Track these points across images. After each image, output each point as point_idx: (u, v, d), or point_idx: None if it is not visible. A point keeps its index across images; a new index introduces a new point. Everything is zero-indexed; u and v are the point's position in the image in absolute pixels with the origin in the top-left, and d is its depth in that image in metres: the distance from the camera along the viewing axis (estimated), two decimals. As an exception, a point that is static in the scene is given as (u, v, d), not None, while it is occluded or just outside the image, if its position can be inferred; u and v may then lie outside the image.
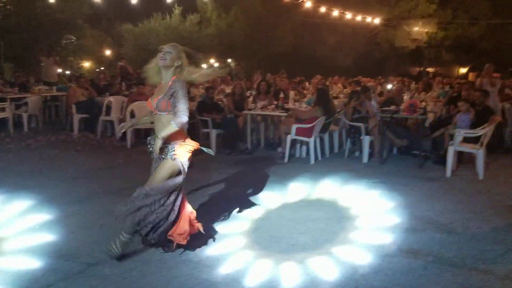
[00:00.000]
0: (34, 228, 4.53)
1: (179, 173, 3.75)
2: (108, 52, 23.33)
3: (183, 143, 3.76)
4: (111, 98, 9.85)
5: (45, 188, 5.90)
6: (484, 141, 6.78)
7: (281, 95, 9.74)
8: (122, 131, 4.17)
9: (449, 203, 5.52)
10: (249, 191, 5.92)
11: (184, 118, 3.58)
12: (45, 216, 4.86)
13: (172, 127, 3.58)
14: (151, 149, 3.80)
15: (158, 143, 3.62)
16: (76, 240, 4.26)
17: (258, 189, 6.00)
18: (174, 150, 3.69)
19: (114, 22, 23.83)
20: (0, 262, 3.78)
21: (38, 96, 10.92)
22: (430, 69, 31.45)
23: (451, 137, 7.20)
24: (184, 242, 3.89)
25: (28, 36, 16.31)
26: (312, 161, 7.71)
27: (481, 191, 6.06)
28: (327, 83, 14.60)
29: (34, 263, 3.75)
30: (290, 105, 9.41)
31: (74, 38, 15.49)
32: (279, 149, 8.34)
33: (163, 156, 3.72)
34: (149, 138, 3.95)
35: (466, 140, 7.06)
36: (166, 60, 3.65)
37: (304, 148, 8.24)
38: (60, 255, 3.92)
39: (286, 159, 7.82)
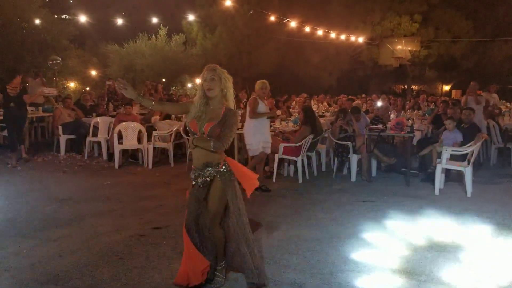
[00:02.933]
0: (21, 251, 4.44)
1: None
2: (93, 73, 23.24)
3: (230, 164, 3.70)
4: (98, 119, 9.80)
5: (32, 211, 5.80)
6: (471, 158, 6.86)
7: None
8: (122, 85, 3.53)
9: (439, 221, 5.55)
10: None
11: (224, 147, 3.52)
12: (33, 239, 4.77)
13: (209, 147, 3.47)
14: (200, 180, 3.61)
15: (203, 142, 3.50)
16: (65, 263, 4.17)
17: (245, 209, 5.96)
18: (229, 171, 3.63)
19: (100, 42, 23.80)
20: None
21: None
22: (414, 87, 31.97)
23: (439, 154, 7.27)
24: None
25: (14, 57, 16.20)
26: (300, 180, 7.71)
27: (470, 209, 6.10)
28: (313, 101, 14.72)
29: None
30: (277, 124, 9.45)
31: (60, 59, 15.40)
32: (267, 168, 8.33)
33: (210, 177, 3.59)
34: (194, 169, 3.66)
35: (453, 158, 7.14)
36: (214, 90, 3.54)
37: (292, 167, 8.25)
38: (49, 279, 3.83)
39: (274, 179, 7.80)
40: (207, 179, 3.59)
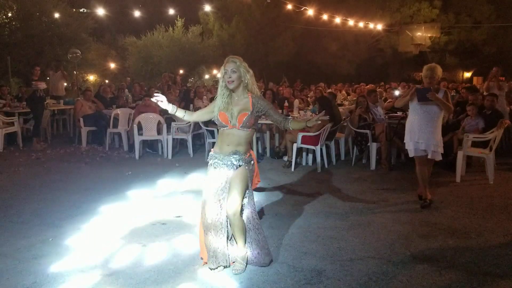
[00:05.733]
0: (47, 239, 4.55)
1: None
2: (112, 65, 23.45)
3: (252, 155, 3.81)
4: (118, 111, 9.91)
5: (57, 200, 5.93)
6: (493, 145, 6.77)
7: (286, 103, 9.79)
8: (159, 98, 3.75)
9: (461, 208, 5.50)
10: (257, 200, 5.91)
11: (289, 118, 3.84)
12: (58, 227, 4.89)
13: (300, 123, 3.80)
14: (222, 162, 3.70)
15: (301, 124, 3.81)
16: (90, 251, 4.27)
17: (266, 198, 6.00)
18: (251, 160, 3.76)
19: (118, 35, 23.99)
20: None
21: (46, 110, 11.00)
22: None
23: (460, 142, 7.18)
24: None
25: (34, 51, 16.46)
26: (319, 169, 7.70)
27: (492, 196, 6.04)
28: (332, 90, 14.63)
29: (59, 278, 3.77)
30: (295, 113, 9.44)
31: (79, 52, 15.59)
32: (285, 158, 8.34)
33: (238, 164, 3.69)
34: (214, 154, 3.78)
35: (475, 144, 7.05)
36: (234, 82, 3.61)
37: (310, 156, 8.24)
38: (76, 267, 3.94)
39: (292, 168, 7.81)
40: (233, 165, 3.66)
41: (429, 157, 5.45)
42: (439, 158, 5.45)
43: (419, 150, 5.48)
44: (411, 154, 5.61)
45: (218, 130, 3.85)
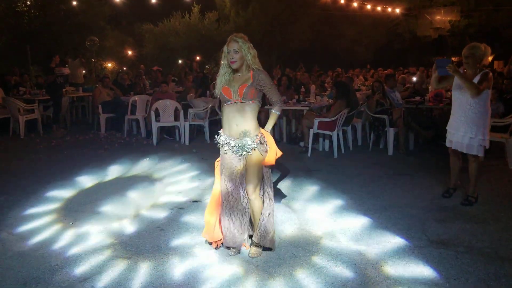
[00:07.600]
0: (69, 224, 4.66)
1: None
2: (129, 53, 23.56)
3: (265, 135, 3.79)
4: (136, 97, 9.99)
5: (77, 187, 6.05)
6: (513, 129, 6.67)
7: (302, 89, 9.76)
8: None
9: (479, 193, 5.45)
10: (274, 186, 5.95)
11: (281, 106, 3.83)
12: (79, 212, 4.99)
13: (276, 115, 3.81)
14: (235, 147, 3.69)
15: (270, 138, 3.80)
16: (110, 235, 4.36)
17: (282, 184, 6.03)
18: (265, 142, 3.74)
19: (135, 22, 24.06)
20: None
21: (65, 97, 11.16)
22: (454, 58, 30.89)
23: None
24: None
25: (53, 39, 16.65)
26: (336, 154, 7.68)
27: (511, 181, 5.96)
28: (349, 75, 14.53)
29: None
30: (312, 99, 9.41)
31: (97, 40, 15.71)
32: (302, 144, 8.33)
33: (249, 150, 3.68)
34: (224, 136, 3.79)
35: (495, 129, 6.94)
36: (237, 62, 3.62)
37: (327, 141, 8.22)
38: (95, 250, 4.02)
39: (309, 153, 7.81)
40: (248, 147, 3.65)
41: (451, 147, 5.12)
42: (470, 151, 4.95)
43: (449, 140, 5.14)
44: (447, 143, 5.22)
45: (221, 108, 3.81)
